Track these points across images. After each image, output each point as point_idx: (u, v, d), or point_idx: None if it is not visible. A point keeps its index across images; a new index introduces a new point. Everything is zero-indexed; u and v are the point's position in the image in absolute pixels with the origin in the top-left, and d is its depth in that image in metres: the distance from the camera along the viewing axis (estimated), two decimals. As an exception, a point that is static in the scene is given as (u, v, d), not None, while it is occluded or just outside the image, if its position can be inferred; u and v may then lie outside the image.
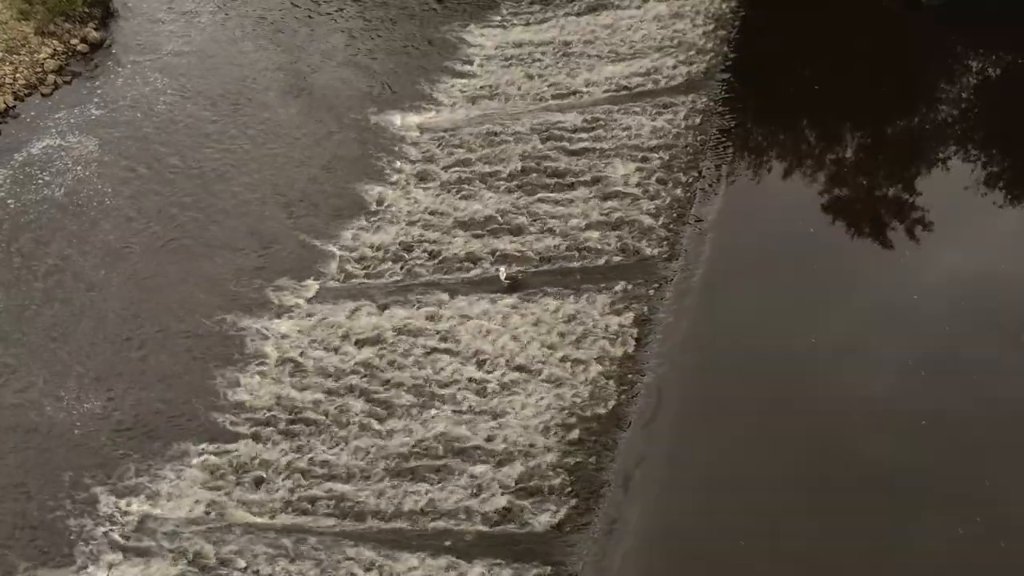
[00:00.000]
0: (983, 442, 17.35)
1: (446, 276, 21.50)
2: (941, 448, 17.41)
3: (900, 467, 16.93)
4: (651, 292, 20.43)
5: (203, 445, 18.42)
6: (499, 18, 30.40)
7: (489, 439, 17.93)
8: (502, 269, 21.13)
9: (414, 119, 26.44)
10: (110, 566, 16.64)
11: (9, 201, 23.22)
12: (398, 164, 24.88)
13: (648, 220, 22.08)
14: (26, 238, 22.37)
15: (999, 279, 20.35)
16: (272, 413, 18.94)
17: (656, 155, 23.85)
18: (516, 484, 17.17)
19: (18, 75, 26.45)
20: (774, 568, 15.95)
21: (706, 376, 18.91)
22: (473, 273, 21.45)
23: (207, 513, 17.40)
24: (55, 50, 27.51)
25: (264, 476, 17.87)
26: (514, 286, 20.87)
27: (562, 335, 19.71)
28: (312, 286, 21.64)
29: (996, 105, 26.62)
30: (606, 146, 24.33)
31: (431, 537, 16.62)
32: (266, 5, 30.67)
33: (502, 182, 23.77)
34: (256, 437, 18.53)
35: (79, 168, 24.20)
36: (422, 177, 24.41)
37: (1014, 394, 18.07)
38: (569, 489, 17.05)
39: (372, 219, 23.24)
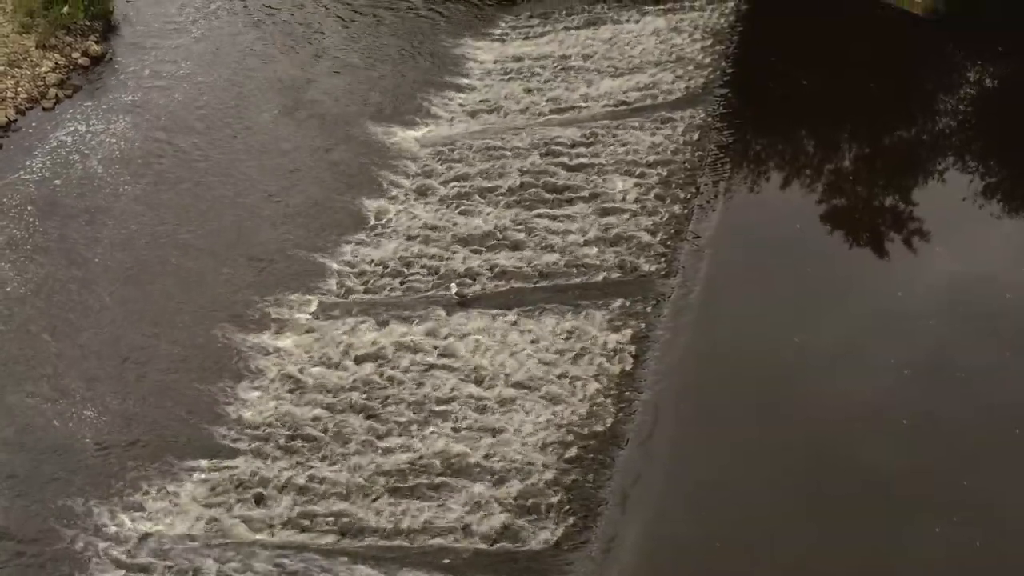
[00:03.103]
0: (981, 447, 17.61)
1: (445, 292, 21.61)
2: (940, 456, 17.61)
3: (901, 483, 17.08)
4: (649, 309, 20.54)
5: (203, 461, 18.47)
6: (498, 32, 30.55)
7: (487, 456, 18.03)
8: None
9: (413, 133, 26.59)
10: (110, 584, 16.79)
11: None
12: (397, 178, 25.03)
13: (646, 236, 22.21)
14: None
15: (998, 286, 20.57)
16: (272, 429, 19.00)
17: (654, 171, 23.97)
18: (514, 502, 17.25)
19: (20, 89, 26.58)
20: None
21: (704, 394, 19.02)
22: (472, 289, 21.57)
23: (207, 530, 17.48)
24: (57, 63, 27.66)
25: (264, 492, 17.92)
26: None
27: (560, 352, 19.80)
28: (312, 301, 21.74)
29: (996, 114, 26.80)
30: (604, 161, 24.46)
31: (429, 554, 16.68)
32: (263, 18, 30.84)
33: (501, 197, 23.89)
34: (256, 453, 18.59)
35: (67, 182, 24.48)
36: (421, 192, 24.54)
37: (1012, 399, 18.30)
38: (567, 507, 17.12)
39: (371, 234, 23.36)
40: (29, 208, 23.75)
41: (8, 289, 21.82)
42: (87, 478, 18.27)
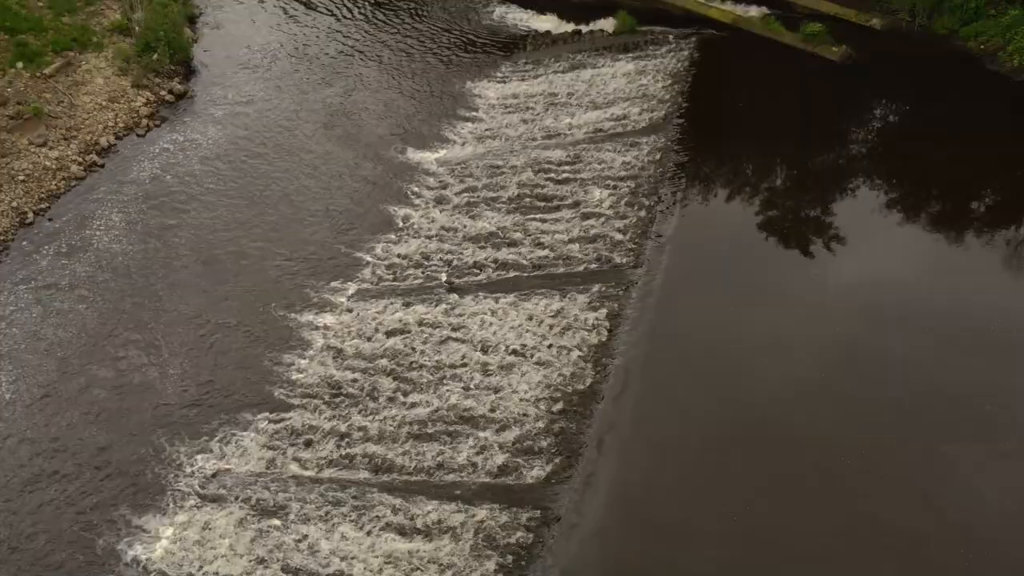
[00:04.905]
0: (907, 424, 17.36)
1: (457, 280, 21.53)
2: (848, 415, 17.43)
3: (834, 438, 16.97)
4: (621, 293, 20.47)
5: (264, 414, 18.51)
6: (500, 74, 30.41)
7: (491, 409, 18.00)
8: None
9: (432, 154, 26.51)
10: (190, 509, 16.72)
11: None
12: (419, 190, 24.93)
13: (618, 235, 22.10)
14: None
15: (906, 284, 20.33)
16: (318, 388, 19.01)
17: (625, 184, 23.85)
18: (512, 445, 17.26)
19: (118, 120, 26.58)
20: (720, 514, 16.01)
21: (664, 360, 18.92)
22: (479, 278, 21.47)
23: (267, 468, 17.47)
24: (147, 99, 27.63)
25: (312, 439, 17.95)
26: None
27: (550, 327, 19.75)
28: (350, 287, 21.69)
29: (901, 139, 26.67)
30: (585, 176, 24.34)
31: (444, 487, 16.72)
32: (308, 65, 30.66)
33: (502, 204, 23.80)
34: (306, 407, 18.60)
35: (173, 177, 24.42)
36: (438, 200, 24.46)
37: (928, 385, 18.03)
38: (555, 449, 17.14)
39: (399, 234, 23.29)
40: (140, 195, 24.25)
41: (118, 261, 22.16)
42: (170, 422, 18.29)
